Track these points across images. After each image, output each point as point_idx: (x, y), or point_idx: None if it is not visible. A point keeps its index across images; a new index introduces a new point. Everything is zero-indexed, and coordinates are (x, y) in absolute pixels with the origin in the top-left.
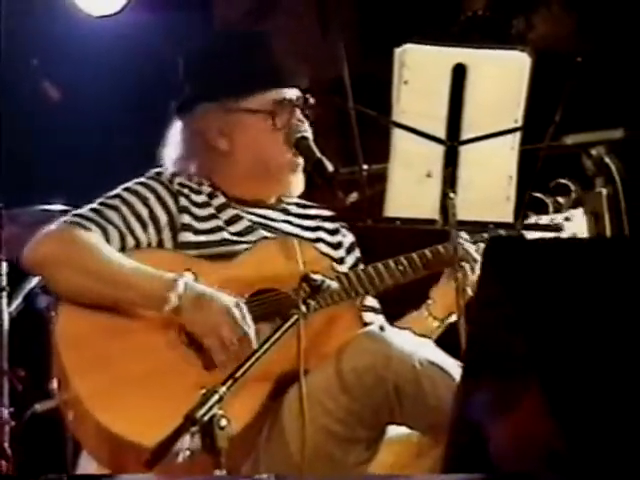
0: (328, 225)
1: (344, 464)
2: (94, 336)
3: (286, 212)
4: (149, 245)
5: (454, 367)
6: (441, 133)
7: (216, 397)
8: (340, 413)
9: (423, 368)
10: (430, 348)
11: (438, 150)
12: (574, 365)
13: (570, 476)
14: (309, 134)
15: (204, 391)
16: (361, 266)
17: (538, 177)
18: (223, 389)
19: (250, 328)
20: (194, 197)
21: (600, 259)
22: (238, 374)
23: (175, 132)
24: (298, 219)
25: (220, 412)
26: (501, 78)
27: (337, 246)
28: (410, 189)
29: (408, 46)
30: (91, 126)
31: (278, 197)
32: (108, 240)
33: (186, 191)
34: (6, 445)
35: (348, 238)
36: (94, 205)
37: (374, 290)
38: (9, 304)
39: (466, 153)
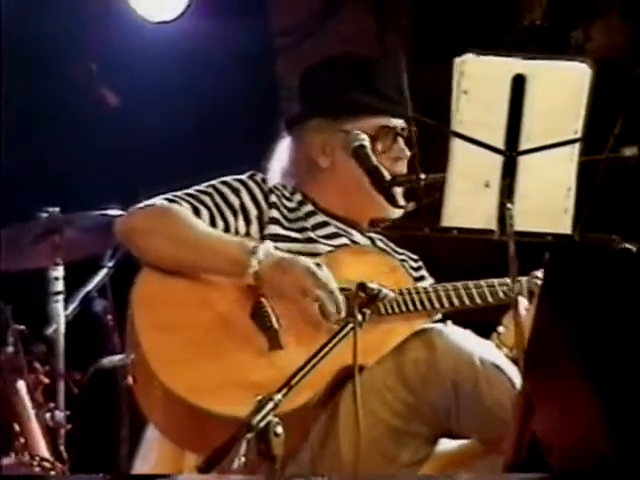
0: (412, 262)
1: (397, 462)
2: (169, 301)
3: (371, 240)
4: (237, 232)
5: (513, 371)
6: (499, 143)
7: (271, 404)
8: (397, 405)
9: (483, 367)
10: (492, 349)
11: (496, 160)
12: (634, 377)
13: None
14: (367, 142)
15: (259, 398)
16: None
17: (597, 189)
18: (278, 396)
19: (334, 283)
20: (284, 201)
21: None
22: (294, 381)
23: (281, 147)
24: (383, 245)
25: (275, 419)
26: (561, 89)
27: (417, 269)
28: (468, 199)
29: (468, 56)
30: (148, 132)
31: (369, 222)
32: (198, 218)
33: (278, 192)
34: (62, 448)
35: (428, 280)
36: (186, 190)
37: (433, 307)
38: (65, 307)
39: (524, 164)
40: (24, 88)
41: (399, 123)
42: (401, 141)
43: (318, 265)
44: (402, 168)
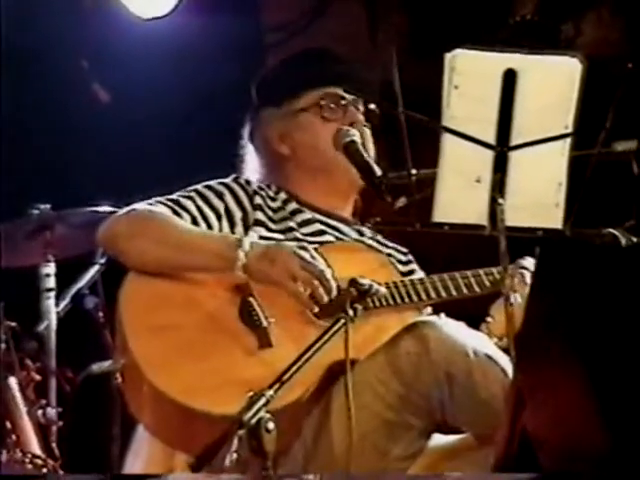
0: (400, 256)
1: (389, 456)
2: (157, 303)
3: (359, 233)
4: None
5: (507, 362)
6: (491, 138)
7: (263, 400)
8: (390, 397)
9: (476, 358)
10: (485, 341)
11: (487, 155)
12: (627, 372)
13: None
14: (358, 138)
15: (251, 394)
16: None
17: (588, 184)
18: (270, 392)
19: (323, 265)
20: (269, 201)
21: None
22: (285, 377)
23: (249, 150)
24: (370, 240)
25: (267, 415)
26: (552, 84)
27: (406, 263)
28: (459, 194)
29: (459, 51)
30: (140, 128)
31: (351, 213)
32: None
33: (263, 193)
34: (54, 445)
35: (418, 273)
36: (169, 196)
37: (420, 299)
38: (57, 304)
39: (516, 159)
40: (17, 86)
41: (347, 96)
42: (353, 109)
43: (304, 248)
44: (366, 136)
